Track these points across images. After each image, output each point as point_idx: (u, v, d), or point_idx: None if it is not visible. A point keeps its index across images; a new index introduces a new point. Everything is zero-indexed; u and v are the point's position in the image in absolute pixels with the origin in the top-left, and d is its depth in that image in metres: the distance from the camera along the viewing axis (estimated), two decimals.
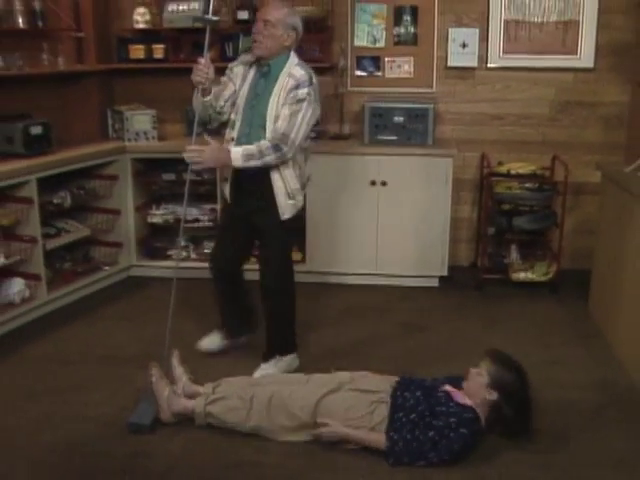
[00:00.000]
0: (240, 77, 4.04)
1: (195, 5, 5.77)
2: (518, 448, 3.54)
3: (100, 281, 5.76)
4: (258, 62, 4.00)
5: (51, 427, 3.74)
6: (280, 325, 4.32)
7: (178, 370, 3.97)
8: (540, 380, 4.20)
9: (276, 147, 3.81)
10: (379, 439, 3.45)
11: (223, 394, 3.69)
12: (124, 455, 3.50)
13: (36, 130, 5.18)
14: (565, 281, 5.67)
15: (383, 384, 3.68)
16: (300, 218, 4.49)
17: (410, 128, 5.62)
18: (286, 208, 4.05)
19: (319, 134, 5.94)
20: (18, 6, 5.26)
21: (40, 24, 5.47)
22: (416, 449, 3.39)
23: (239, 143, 3.93)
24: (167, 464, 3.43)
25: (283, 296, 4.26)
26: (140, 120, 5.82)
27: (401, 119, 5.62)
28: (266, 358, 4.29)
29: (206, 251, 5.88)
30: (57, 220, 5.44)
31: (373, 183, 5.55)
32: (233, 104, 4.04)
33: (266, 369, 4.22)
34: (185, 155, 3.86)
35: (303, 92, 3.83)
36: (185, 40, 6.03)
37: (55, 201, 5.31)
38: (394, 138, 5.63)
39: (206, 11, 3.98)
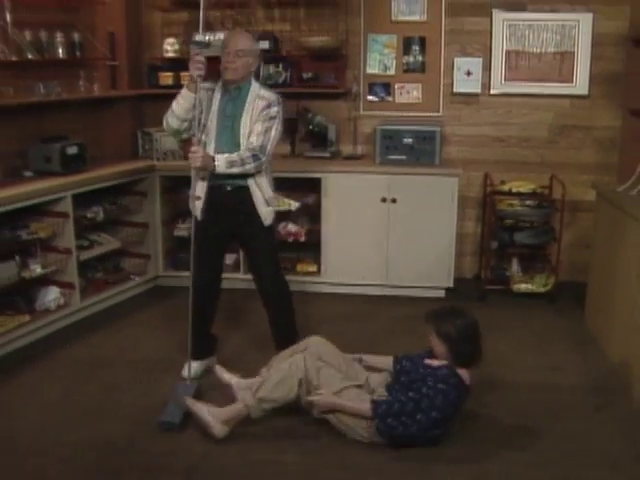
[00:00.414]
0: (205, 102, 4.01)
1: (221, 35, 5.78)
2: (520, 449, 3.52)
3: (129, 290, 5.75)
4: (225, 87, 4.03)
5: (83, 426, 3.74)
6: (286, 325, 4.34)
7: (226, 376, 3.91)
8: (539, 384, 4.22)
9: (255, 157, 3.93)
10: (365, 406, 3.48)
11: (264, 376, 3.67)
12: (153, 454, 3.49)
13: (72, 150, 5.21)
14: (563, 292, 5.64)
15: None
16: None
17: (418, 149, 5.60)
18: (267, 215, 4.14)
19: (334, 154, 5.95)
20: (59, 38, 5.32)
21: (78, 54, 5.54)
22: (399, 409, 3.41)
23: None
24: (192, 463, 3.41)
25: (283, 297, 4.31)
26: (168, 141, 5.82)
27: (410, 141, 5.61)
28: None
29: (227, 262, 5.86)
30: (90, 233, 5.46)
31: (384, 200, 5.54)
32: (199, 124, 3.99)
33: None
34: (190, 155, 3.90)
35: (274, 110, 3.99)
36: (211, 67, 6.00)
37: (89, 215, 5.33)
38: (403, 158, 5.62)
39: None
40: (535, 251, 5.80)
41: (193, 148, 3.89)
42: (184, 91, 3.92)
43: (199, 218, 4.07)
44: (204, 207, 4.06)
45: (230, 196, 4.04)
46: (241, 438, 3.59)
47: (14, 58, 4.93)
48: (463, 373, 3.56)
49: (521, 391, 4.14)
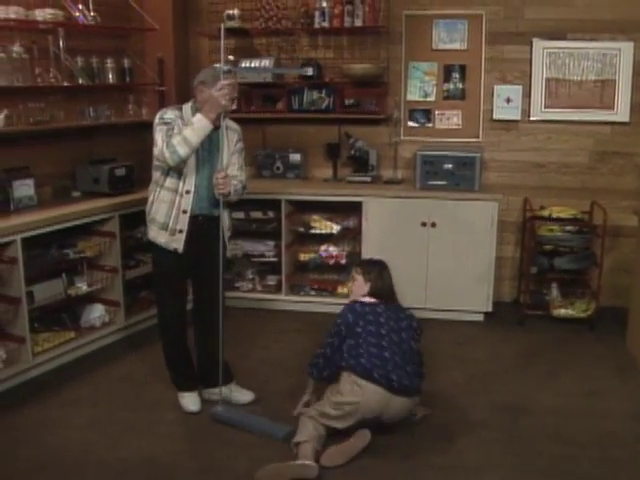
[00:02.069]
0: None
1: (266, 62, 5.80)
2: (560, 475, 3.40)
3: None
4: None
5: (126, 442, 3.71)
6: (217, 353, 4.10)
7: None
8: (579, 410, 4.09)
9: (244, 188, 4.03)
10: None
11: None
12: (193, 471, 3.45)
13: (120, 172, 5.24)
14: (603, 318, 5.47)
15: None
16: None
17: (458, 174, 5.52)
18: (227, 244, 4.11)
19: (374, 179, 5.89)
20: (110, 64, 5.39)
21: (128, 79, 5.61)
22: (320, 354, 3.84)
23: (197, 193, 3.84)
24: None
25: (220, 329, 4.05)
26: None
27: (450, 166, 5.52)
28: (229, 380, 4.22)
29: (270, 283, 5.84)
30: (136, 252, 5.45)
31: (424, 224, 5.46)
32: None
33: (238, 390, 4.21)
34: (218, 181, 3.80)
35: (241, 142, 4.05)
36: (256, 93, 6.08)
37: (135, 235, 5.35)
38: (444, 183, 5.54)
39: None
40: (575, 276, 5.65)
41: (221, 174, 3.79)
42: (205, 122, 3.65)
43: (180, 250, 3.88)
44: (187, 238, 3.88)
45: (205, 226, 3.92)
46: (279, 457, 3.51)
47: (66, 83, 5.00)
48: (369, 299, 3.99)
49: (560, 416, 4.01)
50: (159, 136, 3.73)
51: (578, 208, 5.61)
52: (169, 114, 3.79)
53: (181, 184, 3.82)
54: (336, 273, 5.90)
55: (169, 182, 3.82)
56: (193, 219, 3.87)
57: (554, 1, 5.59)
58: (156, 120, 3.80)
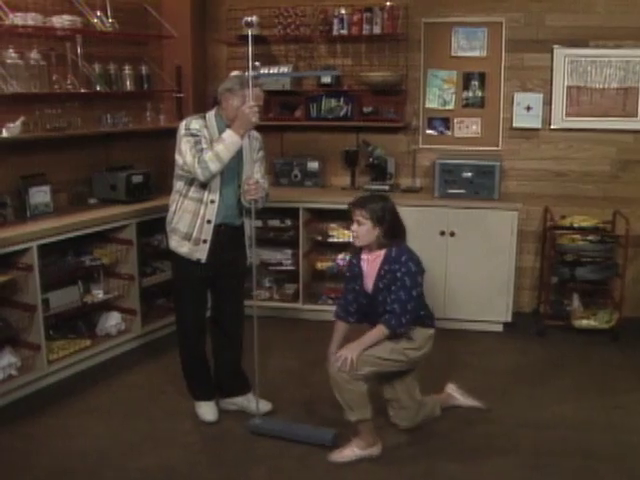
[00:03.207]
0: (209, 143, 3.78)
1: (284, 69, 5.78)
2: None
3: None
4: (220, 128, 3.76)
5: (143, 452, 3.68)
6: (239, 362, 4.19)
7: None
8: (602, 425, 3.99)
9: (267, 194, 3.98)
10: (379, 331, 3.52)
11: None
12: None
13: (137, 179, 5.23)
14: (627, 329, 5.36)
15: None
16: None
17: (477, 183, 5.47)
18: (248, 255, 4.06)
19: (393, 187, 5.85)
20: (127, 70, 5.38)
21: (145, 86, 5.60)
22: (400, 307, 3.51)
23: (223, 202, 3.80)
24: None
25: (241, 336, 4.16)
26: None
27: (469, 175, 5.48)
28: (247, 390, 4.18)
29: (288, 292, 5.80)
30: (154, 260, 5.44)
31: (442, 233, 5.40)
32: None
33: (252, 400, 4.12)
34: (250, 188, 3.78)
35: (263, 150, 4.02)
36: (274, 101, 6.03)
37: (152, 243, 5.34)
38: (462, 192, 5.48)
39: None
40: (597, 286, 5.57)
41: (252, 181, 3.78)
42: (236, 138, 3.64)
43: (204, 260, 3.84)
44: (210, 248, 3.83)
45: (228, 235, 3.88)
46: (299, 465, 3.46)
47: (83, 90, 4.99)
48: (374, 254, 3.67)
49: (583, 430, 3.93)
50: (186, 147, 3.67)
51: (600, 217, 5.55)
52: (194, 124, 3.73)
53: (206, 194, 3.77)
54: None
55: (193, 192, 3.78)
56: (216, 228, 3.82)
57: (575, 8, 5.53)
58: (182, 130, 3.74)
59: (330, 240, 5.79)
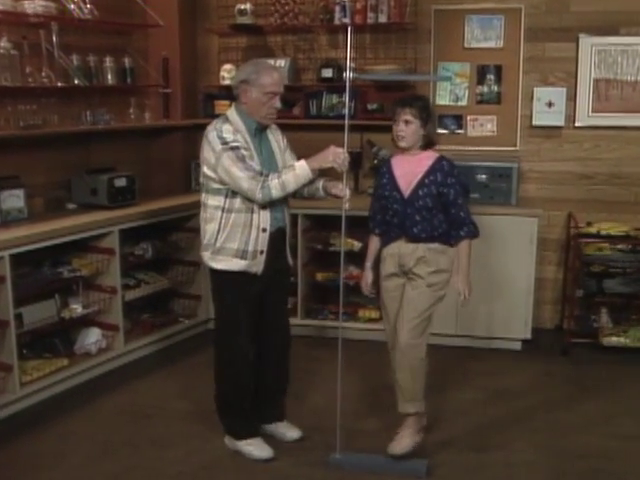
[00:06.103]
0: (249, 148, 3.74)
1: (281, 63, 5.74)
2: None
3: (178, 334, 5.68)
4: (248, 127, 3.73)
5: None
6: (287, 373, 4.16)
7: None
8: (636, 455, 3.90)
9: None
10: (465, 244, 3.97)
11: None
12: None
13: (120, 183, 5.23)
14: None
15: None
16: None
17: (493, 187, 5.46)
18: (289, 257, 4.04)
19: None
20: (109, 63, 5.37)
21: (129, 81, 5.59)
22: (465, 210, 3.86)
23: (272, 205, 3.75)
24: None
25: (289, 348, 4.14)
26: None
27: (484, 178, 5.46)
28: (282, 418, 4.15)
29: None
30: (137, 271, 5.43)
31: None
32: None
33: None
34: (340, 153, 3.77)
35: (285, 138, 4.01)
36: None
37: (136, 252, 5.32)
38: (476, 197, 5.42)
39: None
40: (628, 300, 5.52)
41: (341, 149, 3.80)
42: (308, 171, 3.64)
43: (260, 273, 3.77)
44: (267, 258, 3.76)
45: (277, 241, 3.83)
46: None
47: (60, 84, 4.97)
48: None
49: (615, 461, 3.86)
50: (232, 166, 3.57)
51: (631, 224, 5.51)
52: (226, 133, 3.64)
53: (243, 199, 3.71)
54: (357, 296, 5.78)
55: (240, 202, 3.68)
56: (271, 235, 3.76)
57: None
58: (217, 145, 3.61)
59: (331, 249, 5.74)
